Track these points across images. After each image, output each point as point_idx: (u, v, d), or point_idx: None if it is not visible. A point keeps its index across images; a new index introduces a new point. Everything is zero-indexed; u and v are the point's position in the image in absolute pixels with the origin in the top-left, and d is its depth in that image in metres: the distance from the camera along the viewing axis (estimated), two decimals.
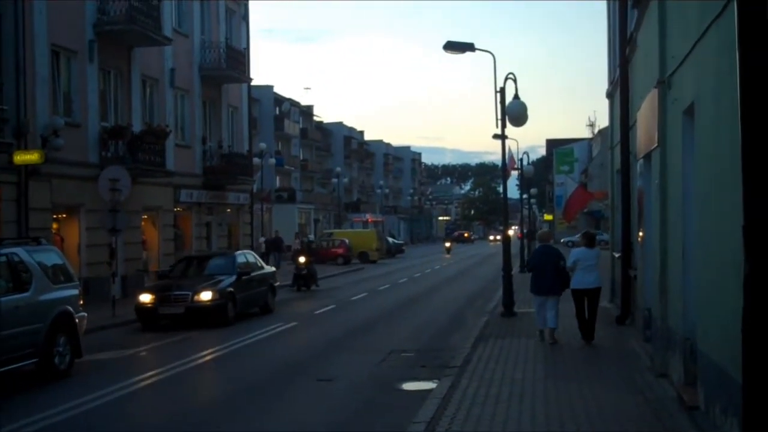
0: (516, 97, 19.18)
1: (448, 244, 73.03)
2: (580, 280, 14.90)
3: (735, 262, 6.16)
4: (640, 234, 14.89)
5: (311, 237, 41.24)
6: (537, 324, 15.44)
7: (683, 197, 9.68)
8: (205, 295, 19.52)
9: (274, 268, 25.01)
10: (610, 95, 21.59)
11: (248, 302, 21.41)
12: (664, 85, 10.89)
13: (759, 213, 5.30)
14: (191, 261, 23.33)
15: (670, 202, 10.79)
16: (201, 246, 32.16)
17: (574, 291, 14.94)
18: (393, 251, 64.61)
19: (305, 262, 30.03)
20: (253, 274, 22.12)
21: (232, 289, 20.18)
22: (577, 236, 61.99)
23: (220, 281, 20.23)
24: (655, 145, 11.49)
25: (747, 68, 5.40)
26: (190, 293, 19.47)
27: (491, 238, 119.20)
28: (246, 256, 23.27)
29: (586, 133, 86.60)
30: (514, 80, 19.38)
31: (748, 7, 5.40)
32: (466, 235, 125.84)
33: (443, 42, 20.06)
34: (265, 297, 22.65)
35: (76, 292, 14.61)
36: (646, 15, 12.93)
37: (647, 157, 13.15)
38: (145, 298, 19.45)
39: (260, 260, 24.29)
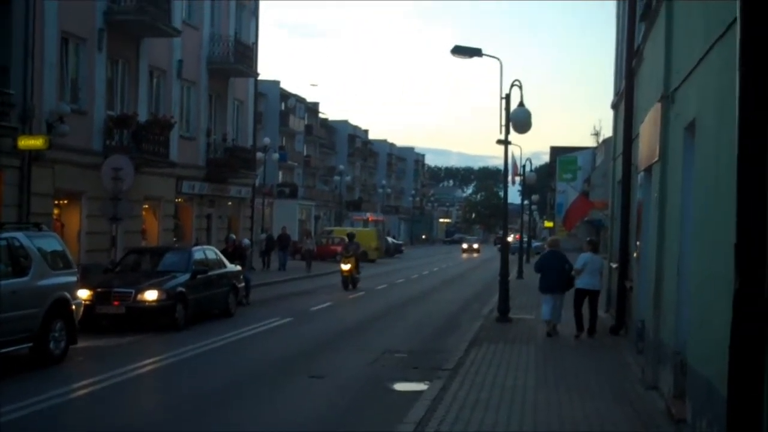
0: (521, 104, 19.26)
1: (346, 267, 29.89)
2: (586, 281, 16.90)
3: (727, 279, 6.23)
4: (638, 246, 14.96)
5: (245, 240, 29.77)
6: (544, 317, 17.22)
7: (681, 212, 9.74)
8: (150, 295, 17.31)
9: (238, 267, 22.09)
10: (615, 106, 21.64)
11: (204, 304, 19.23)
12: (667, 99, 10.96)
13: (750, 231, 5.37)
14: (142, 255, 21.37)
15: (668, 216, 10.86)
16: (201, 238, 32.21)
17: (578, 290, 17.09)
18: (392, 251, 64.68)
19: None
20: (211, 273, 19.78)
21: (183, 289, 17.99)
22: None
23: (170, 279, 18.16)
24: (656, 158, 11.56)
25: (747, 89, 5.47)
26: (133, 291, 17.30)
27: (464, 246, 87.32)
28: (205, 252, 21.02)
29: (590, 142, 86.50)
30: (520, 87, 19.44)
31: (751, 29, 5.47)
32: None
33: (451, 46, 20.17)
34: (226, 299, 20.37)
35: (74, 278, 14.67)
36: (654, 29, 12.99)
37: (648, 170, 13.22)
38: (83, 294, 16.08)
39: (223, 257, 21.65)
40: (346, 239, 32.26)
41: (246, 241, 27.70)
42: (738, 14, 5.54)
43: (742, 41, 5.48)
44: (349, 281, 29.59)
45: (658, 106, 11.39)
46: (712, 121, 7.89)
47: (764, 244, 5.37)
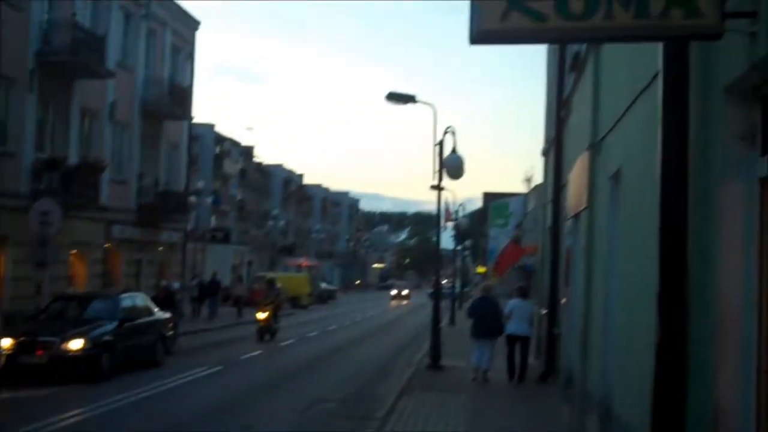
0: (454, 150, 19.46)
1: (263, 315, 28.00)
2: (515, 327, 17.00)
3: (650, 328, 6.32)
4: (566, 292, 15.13)
5: (175, 284, 31.87)
6: (473, 363, 17.23)
7: (607, 260, 9.87)
8: (75, 344, 16.77)
9: (167, 314, 21.88)
10: (545, 153, 22.02)
11: (131, 353, 18.66)
12: (594, 149, 11.19)
13: (672, 282, 5.46)
14: (69, 302, 20.68)
15: (595, 264, 11.01)
16: (130, 284, 31.58)
17: (508, 336, 17.13)
18: (325, 297, 64.40)
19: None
20: (139, 320, 19.48)
21: (110, 338, 17.57)
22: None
23: (96, 327, 17.64)
24: (584, 206, 11.75)
25: (668, 142, 5.60)
26: (58, 340, 16.73)
27: (393, 293, 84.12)
28: (134, 298, 20.57)
29: (522, 188, 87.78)
30: (453, 134, 19.65)
31: (672, 82, 5.62)
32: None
33: (387, 91, 20.41)
34: (153, 348, 19.93)
35: None
36: (582, 80, 13.30)
37: (577, 216, 13.43)
38: (5, 343, 15.71)
39: (152, 304, 21.48)
40: (266, 285, 30.08)
41: (175, 284, 27.19)
42: (660, 68, 5.69)
43: (665, 94, 5.63)
44: (266, 332, 27.50)
45: (585, 154, 11.61)
46: (635, 172, 8.06)
47: (685, 295, 5.48)
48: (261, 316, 27.83)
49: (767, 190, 5.20)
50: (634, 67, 8.13)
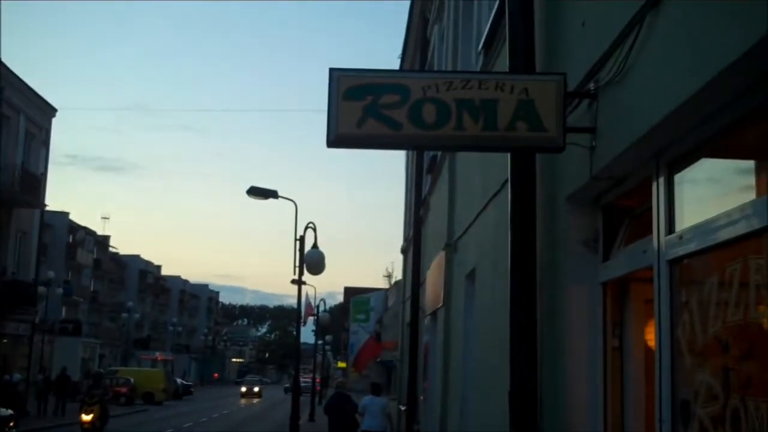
0: (315, 245, 19.55)
1: (87, 417, 21.56)
2: (368, 423, 16.92)
3: (504, 425, 6.44)
4: (425, 388, 15.23)
5: (16, 376, 30.95)
6: None
7: (463, 357, 10.04)
8: None
9: (9, 412, 20.67)
10: (404, 251, 22.37)
11: None
12: (450, 248, 11.47)
13: (523, 380, 5.61)
14: None
15: (452, 360, 11.16)
16: None
17: None
18: (181, 393, 62.42)
19: None
20: None
21: None
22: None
23: None
24: (441, 304, 11.96)
25: (516, 245, 5.83)
26: None
27: (243, 390, 78.59)
28: None
29: (383, 283, 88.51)
30: (314, 229, 19.79)
31: (519, 189, 5.88)
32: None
33: (248, 186, 20.42)
34: None
35: None
36: (438, 182, 13.70)
37: (434, 314, 13.63)
38: None
39: None
40: (91, 380, 25.09)
41: (17, 375, 25.57)
42: (509, 175, 5.95)
43: (512, 201, 5.88)
44: None
45: (442, 254, 11.88)
46: (488, 272, 8.30)
47: (536, 393, 5.62)
48: (85, 417, 22.30)
49: (609, 295, 5.48)
50: (486, 173, 8.47)
